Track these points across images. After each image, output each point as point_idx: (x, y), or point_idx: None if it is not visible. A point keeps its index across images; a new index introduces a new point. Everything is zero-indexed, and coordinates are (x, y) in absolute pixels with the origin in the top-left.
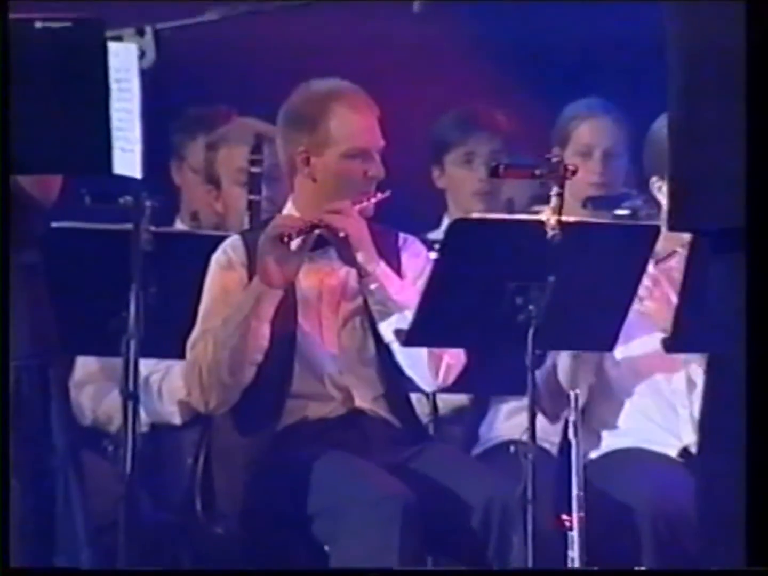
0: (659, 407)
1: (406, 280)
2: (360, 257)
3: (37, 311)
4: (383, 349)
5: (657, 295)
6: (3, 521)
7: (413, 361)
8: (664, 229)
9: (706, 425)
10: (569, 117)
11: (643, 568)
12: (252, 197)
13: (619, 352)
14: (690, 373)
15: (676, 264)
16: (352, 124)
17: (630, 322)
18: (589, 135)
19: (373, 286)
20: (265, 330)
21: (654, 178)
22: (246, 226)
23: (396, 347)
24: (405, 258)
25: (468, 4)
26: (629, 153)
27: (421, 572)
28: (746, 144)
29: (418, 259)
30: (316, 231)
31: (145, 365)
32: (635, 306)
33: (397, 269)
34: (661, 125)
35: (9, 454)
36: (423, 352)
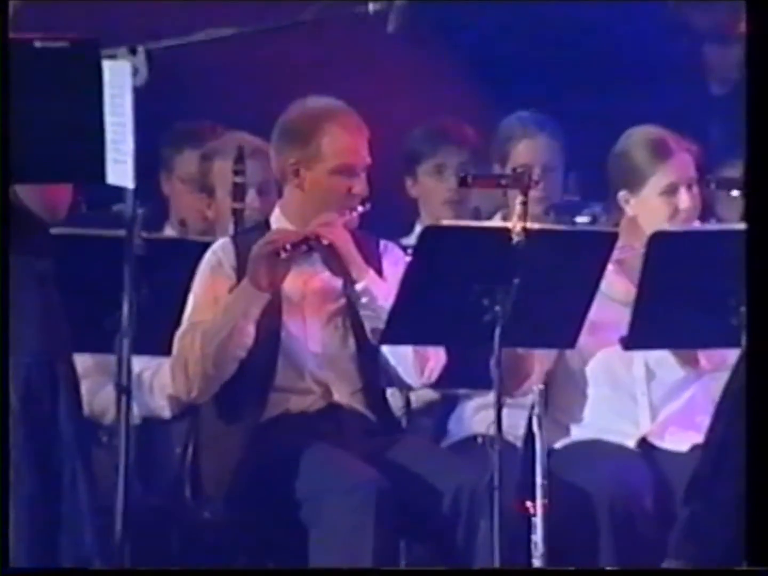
0: (619, 397)
1: (388, 282)
2: (350, 268)
3: (46, 313)
4: (362, 348)
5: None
6: (3, 521)
7: (399, 360)
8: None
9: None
10: (506, 137)
11: (642, 568)
12: (236, 205)
13: (580, 343)
14: (648, 362)
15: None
16: (343, 142)
17: (592, 314)
18: (525, 154)
19: (364, 299)
20: (251, 329)
21: (623, 192)
22: (231, 232)
23: (385, 348)
24: (386, 263)
25: (439, 27)
26: (564, 163)
27: (420, 572)
28: (746, 146)
29: (397, 264)
30: (308, 242)
31: (138, 362)
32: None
33: (379, 272)
34: (626, 142)
35: (9, 455)
36: (409, 351)
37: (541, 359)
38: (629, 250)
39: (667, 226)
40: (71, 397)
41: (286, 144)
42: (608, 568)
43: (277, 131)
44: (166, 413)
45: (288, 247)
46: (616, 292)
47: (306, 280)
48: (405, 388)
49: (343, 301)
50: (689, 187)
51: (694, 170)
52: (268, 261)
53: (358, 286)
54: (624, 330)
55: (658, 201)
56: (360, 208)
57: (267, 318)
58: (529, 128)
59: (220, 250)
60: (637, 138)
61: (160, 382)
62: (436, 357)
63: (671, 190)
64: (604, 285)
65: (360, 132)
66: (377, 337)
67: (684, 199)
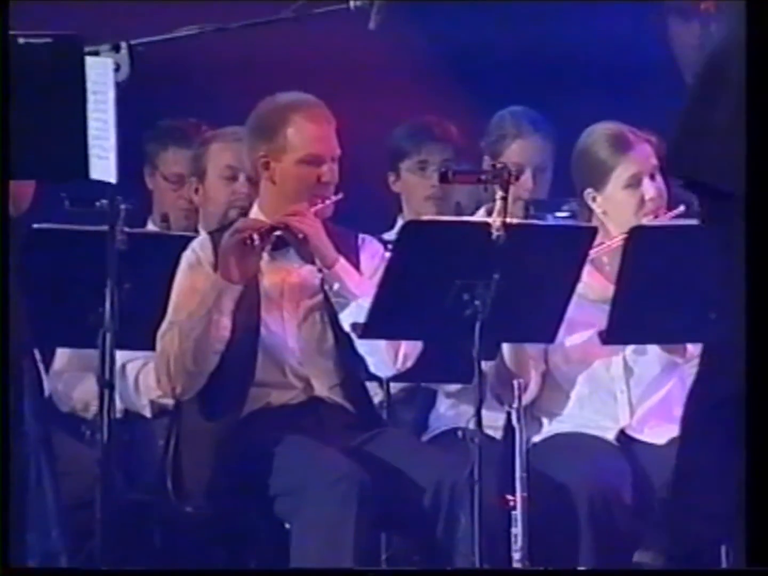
0: (598, 393)
1: (364, 275)
2: (319, 255)
3: (11, 308)
4: (341, 341)
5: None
6: (3, 521)
7: (372, 348)
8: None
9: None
10: (499, 134)
11: (642, 568)
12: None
13: (560, 341)
14: (627, 358)
15: (606, 255)
16: (309, 132)
17: (570, 313)
18: (519, 154)
19: (335, 285)
20: (227, 322)
21: (588, 190)
22: (219, 215)
23: (355, 336)
24: (363, 256)
25: (421, 24)
26: (555, 163)
27: (419, 572)
28: (746, 140)
29: (375, 257)
30: (277, 232)
31: (121, 354)
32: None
33: (356, 266)
34: (586, 140)
35: (9, 455)
36: (381, 341)
37: (535, 365)
38: (603, 247)
39: (644, 221)
40: (35, 392)
41: (255, 139)
42: (589, 561)
43: (248, 128)
44: (147, 413)
45: (256, 237)
46: (590, 290)
47: (284, 277)
48: (381, 378)
49: (320, 296)
50: (652, 177)
51: (656, 160)
52: (237, 252)
53: (329, 273)
54: (602, 328)
55: (623, 194)
56: (332, 197)
57: (246, 314)
58: (523, 128)
59: (198, 247)
60: (596, 135)
61: (146, 382)
62: (410, 344)
63: (635, 182)
64: (579, 286)
65: (327, 122)
66: (358, 332)
67: (648, 189)
